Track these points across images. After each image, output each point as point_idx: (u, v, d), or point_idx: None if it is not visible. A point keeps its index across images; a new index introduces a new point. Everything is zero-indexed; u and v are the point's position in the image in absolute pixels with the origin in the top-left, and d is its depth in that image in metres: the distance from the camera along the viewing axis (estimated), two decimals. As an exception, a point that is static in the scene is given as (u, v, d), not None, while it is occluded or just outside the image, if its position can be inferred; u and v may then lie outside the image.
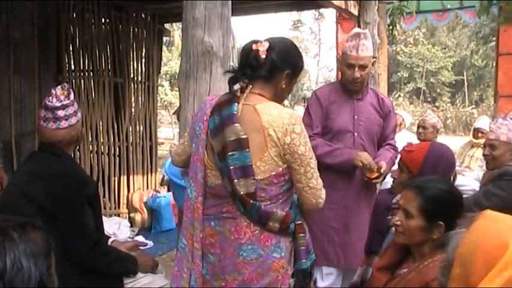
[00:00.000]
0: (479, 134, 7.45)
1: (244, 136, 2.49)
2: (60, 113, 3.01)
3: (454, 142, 13.11)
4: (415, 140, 7.24)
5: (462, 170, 7.19)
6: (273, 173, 2.53)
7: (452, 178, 3.19)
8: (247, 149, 2.49)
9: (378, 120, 4.14)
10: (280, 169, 2.54)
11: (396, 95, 36.00)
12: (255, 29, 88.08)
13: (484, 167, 4.88)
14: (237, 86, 2.67)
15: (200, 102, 3.02)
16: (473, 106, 35.58)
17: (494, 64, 16.42)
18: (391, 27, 10.99)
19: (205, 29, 3.11)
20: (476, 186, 6.30)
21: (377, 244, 3.09)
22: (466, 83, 40.07)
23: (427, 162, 2.91)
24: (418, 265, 2.41)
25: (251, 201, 2.50)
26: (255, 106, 2.55)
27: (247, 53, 2.62)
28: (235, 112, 2.54)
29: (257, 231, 2.57)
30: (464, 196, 4.53)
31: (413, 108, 31.81)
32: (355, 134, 4.05)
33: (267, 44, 2.62)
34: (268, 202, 2.56)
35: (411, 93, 39.35)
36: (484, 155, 4.38)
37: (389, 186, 3.27)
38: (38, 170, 3.00)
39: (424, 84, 39.70)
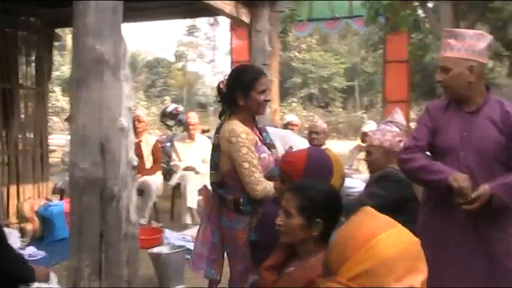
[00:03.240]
0: (367, 138, 7.75)
1: (217, 144, 3.60)
2: None
3: (346, 146, 13.53)
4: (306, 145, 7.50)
5: (351, 172, 7.47)
6: (228, 168, 3.55)
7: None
8: (217, 152, 3.60)
9: (497, 138, 3.31)
10: (229, 167, 3.53)
11: (290, 101, 36.69)
12: (151, 35, 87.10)
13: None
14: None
15: (91, 110, 3.04)
16: (364, 111, 36.78)
17: (382, 71, 17.16)
18: (283, 34, 11.26)
19: (96, 37, 3.11)
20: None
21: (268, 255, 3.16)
22: (357, 89, 41.46)
23: (307, 170, 3.01)
24: (303, 263, 2.56)
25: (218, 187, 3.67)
26: (223, 125, 3.59)
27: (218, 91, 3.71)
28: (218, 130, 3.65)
29: (224, 209, 3.65)
30: (351, 197, 4.75)
31: (307, 113, 32.53)
32: (462, 153, 3.35)
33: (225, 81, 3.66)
34: (231, 189, 3.59)
35: (304, 99, 40.20)
36: (365, 160, 4.60)
37: None
38: None
39: (317, 89, 40.65)
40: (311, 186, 2.64)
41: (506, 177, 3.21)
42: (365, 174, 7.28)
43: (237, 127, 3.50)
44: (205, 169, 8.39)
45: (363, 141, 7.99)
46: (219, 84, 3.71)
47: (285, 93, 34.19)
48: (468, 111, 3.40)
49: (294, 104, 36.29)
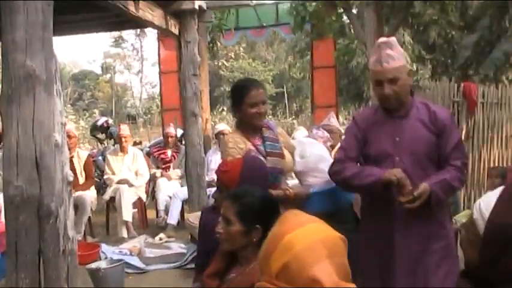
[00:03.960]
0: (299, 144, 7.87)
1: None
2: None
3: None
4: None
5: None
6: None
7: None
8: None
9: (428, 138, 3.40)
10: None
11: (220, 109, 36.74)
12: (76, 47, 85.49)
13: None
14: None
15: (24, 126, 3.01)
16: (294, 117, 37.18)
17: (310, 77, 17.42)
18: (211, 44, 11.31)
19: (26, 53, 3.08)
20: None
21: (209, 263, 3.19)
22: (286, 95, 41.86)
23: (243, 178, 3.11)
24: (244, 269, 2.62)
25: None
26: None
27: None
28: None
29: None
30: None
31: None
32: (397, 158, 3.39)
33: None
34: None
35: (235, 107, 40.27)
36: None
37: None
38: None
39: (247, 97, 40.80)
40: (248, 193, 2.71)
41: (441, 175, 3.32)
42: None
43: (229, 136, 3.80)
44: (139, 181, 8.35)
45: (294, 147, 8.10)
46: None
47: (214, 102, 34.16)
48: (398, 116, 3.43)
49: (224, 113, 36.36)
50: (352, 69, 22.37)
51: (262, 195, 2.76)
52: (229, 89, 4.04)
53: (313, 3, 13.30)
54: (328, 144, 4.50)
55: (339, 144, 4.45)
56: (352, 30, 15.47)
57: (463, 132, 8.59)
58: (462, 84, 9.30)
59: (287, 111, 40.45)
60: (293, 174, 4.41)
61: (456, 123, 3.53)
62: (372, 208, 3.55)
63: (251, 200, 2.66)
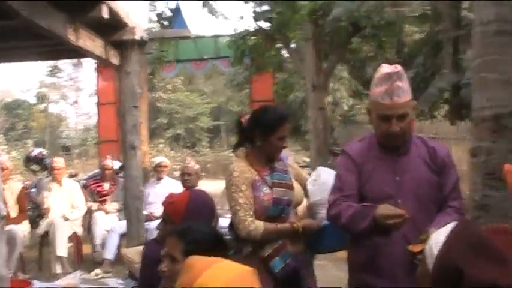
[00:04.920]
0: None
1: None
2: None
3: (215, 185, 13.56)
4: (178, 186, 7.47)
5: (224, 212, 7.48)
6: None
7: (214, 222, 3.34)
8: None
9: (430, 177, 3.09)
10: None
11: (157, 142, 36.43)
12: (9, 76, 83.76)
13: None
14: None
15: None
16: (232, 150, 37.24)
17: (249, 110, 17.51)
18: (151, 76, 11.24)
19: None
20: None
21: None
22: (223, 128, 41.93)
23: (189, 211, 3.00)
24: None
25: None
26: None
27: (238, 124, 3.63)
28: None
29: None
30: (228, 237, 4.75)
31: (174, 154, 32.37)
32: (399, 200, 3.01)
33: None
34: None
35: (171, 139, 40.07)
36: None
37: None
38: None
39: (184, 130, 40.69)
40: (195, 229, 2.59)
41: (445, 217, 2.91)
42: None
43: (234, 165, 3.48)
44: (74, 215, 8.10)
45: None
46: (240, 118, 3.63)
47: (151, 134, 33.85)
48: (397, 153, 3.09)
49: (161, 145, 36.04)
50: (290, 103, 22.61)
51: (211, 231, 2.66)
52: (255, 113, 3.55)
53: (253, 37, 13.43)
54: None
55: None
56: (290, 65, 15.75)
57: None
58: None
59: (224, 144, 40.46)
60: None
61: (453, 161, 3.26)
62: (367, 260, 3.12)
63: (199, 237, 2.54)
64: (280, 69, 15.21)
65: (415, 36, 15.89)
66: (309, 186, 3.80)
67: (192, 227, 2.62)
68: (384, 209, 2.82)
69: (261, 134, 3.43)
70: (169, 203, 3.09)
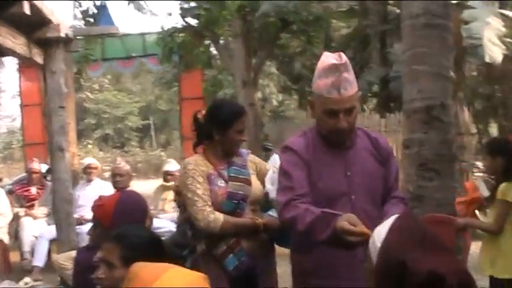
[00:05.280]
0: (169, 177, 7.74)
1: None
2: None
3: (146, 185, 13.37)
4: (109, 188, 7.27)
5: (157, 213, 7.37)
6: None
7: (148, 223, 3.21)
8: None
9: (377, 169, 2.96)
10: None
11: (85, 143, 35.69)
12: None
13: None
14: None
15: None
16: (162, 149, 36.86)
17: (178, 108, 17.32)
18: (78, 75, 10.94)
19: None
20: (172, 227, 6.53)
21: None
22: (152, 127, 41.45)
23: (119, 213, 2.86)
24: None
25: None
26: None
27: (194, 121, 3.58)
28: None
29: None
30: (162, 238, 4.62)
31: (104, 155, 31.82)
32: (352, 196, 2.86)
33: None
34: None
35: (100, 140, 39.37)
36: (174, 200, 4.50)
37: None
38: None
39: (112, 130, 40.03)
40: (132, 234, 2.46)
41: (393, 209, 2.83)
42: (172, 214, 7.23)
43: (189, 159, 3.49)
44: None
45: (165, 180, 7.94)
46: (196, 114, 3.58)
47: (79, 135, 33.15)
48: (344, 147, 2.92)
49: (89, 146, 35.34)
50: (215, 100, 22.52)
51: (149, 235, 2.54)
52: (210, 108, 3.56)
53: (181, 35, 13.28)
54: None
55: None
56: (219, 62, 15.65)
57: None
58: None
59: (154, 143, 40.08)
60: None
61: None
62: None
63: (136, 241, 2.41)
64: (209, 66, 15.07)
65: (342, 31, 16.06)
66: (267, 184, 3.52)
67: (128, 231, 2.49)
68: (346, 221, 2.47)
69: (218, 129, 3.41)
70: (98, 206, 2.95)
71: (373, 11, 12.25)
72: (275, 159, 3.47)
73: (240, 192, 3.41)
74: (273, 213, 3.51)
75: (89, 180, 8.26)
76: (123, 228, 2.53)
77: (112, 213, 2.86)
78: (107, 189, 7.23)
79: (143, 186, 12.95)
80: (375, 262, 1.74)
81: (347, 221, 2.46)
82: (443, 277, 1.57)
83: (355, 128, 2.92)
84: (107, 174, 9.61)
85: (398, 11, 12.46)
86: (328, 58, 2.79)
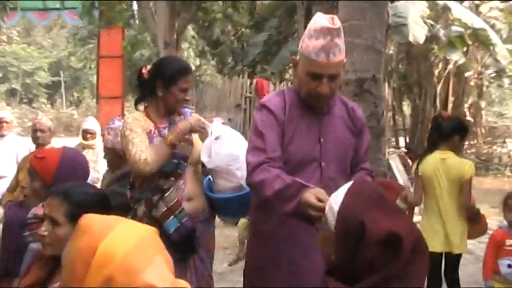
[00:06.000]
0: (88, 135, 7.48)
1: None
2: None
3: (58, 144, 12.96)
4: (25, 143, 6.99)
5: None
6: None
7: None
8: None
9: (349, 139, 2.91)
10: None
11: (-10, 95, 34.35)
12: None
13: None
14: None
15: None
16: (73, 107, 35.92)
17: (93, 66, 16.83)
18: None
19: None
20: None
21: (17, 265, 2.79)
22: (63, 84, 40.23)
23: (62, 169, 2.76)
24: None
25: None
26: None
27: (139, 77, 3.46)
28: None
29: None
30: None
31: (11, 110, 30.66)
32: (322, 163, 2.81)
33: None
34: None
35: (7, 94, 37.92)
36: (104, 158, 4.33)
37: None
38: None
39: (20, 84, 38.61)
40: (80, 191, 2.38)
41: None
42: (97, 174, 7.00)
43: (128, 115, 3.43)
44: None
45: (84, 138, 7.68)
46: (141, 69, 3.47)
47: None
48: (320, 112, 2.86)
49: (-5, 98, 34.02)
50: (135, 61, 22.02)
51: (97, 192, 2.48)
52: (156, 63, 3.50)
53: (104, -12, 12.83)
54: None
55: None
56: (137, 21, 15.25)
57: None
58: (254, 81, 9.55)
59: (64, 101, 38.98)
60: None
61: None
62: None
63: (84, 198, 2.34)
64: (130, 25, 14.68)
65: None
66: (202, 156, 3.43)
67: (75, 188, 2.40)
68: (311, 195, 2.40)
69: (162, 84, 3.32)
70: (39, 158, 2.81)
71: (300, -19, 12.21)
72: (215, 127, 3.47)
73: (180, 152, 3.34)
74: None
75: (1, 136, 7.85)
76: (70, 185, 2.44)
77: (56, 168, 2.75)
78: (23, 144, 6.96)
79: (55, 145, 12.56)
80: (332, 227, 1.77)
81: (314, 194, 2.39)
82: (401, 236, 1.64)
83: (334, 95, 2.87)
84: (18, 130, 9.19)
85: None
86: (321, 20, 2.68)
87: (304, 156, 2.80)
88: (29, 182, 2.85)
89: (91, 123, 7.67)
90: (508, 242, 4.38)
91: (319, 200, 2.35)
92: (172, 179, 3.32)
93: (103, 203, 2.43)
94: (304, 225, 2.56)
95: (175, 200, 3.29)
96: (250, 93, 9.19)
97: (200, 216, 3.41)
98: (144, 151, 3.18)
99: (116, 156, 4.00)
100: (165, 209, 3.26)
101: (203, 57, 20.66)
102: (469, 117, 15.59)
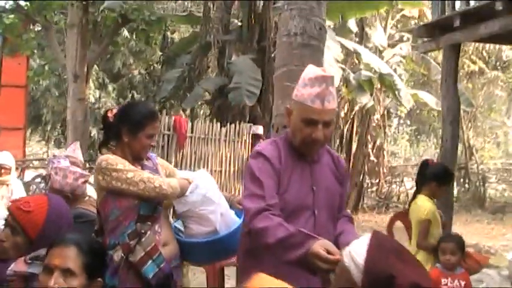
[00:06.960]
0: (2, 171, 7.11)
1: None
2: None
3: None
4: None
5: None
6: (101, 199, 3.25)
7: None
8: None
9: (336, 187, 2.98)
10: (103, 197, 3.22)
11: None
12: None
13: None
14: None
15: None
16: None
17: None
18: None
19: None
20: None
21: None
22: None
23: (49, 223, 2.61)
24: None
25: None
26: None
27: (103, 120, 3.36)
28: None
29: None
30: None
31: None
32: (316, 211, 2.85)
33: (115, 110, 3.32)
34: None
35: None
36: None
37: None
38: None
39: None
40: (87, 240, 2.43)
41: (352, 229, 2.98)
42: (2, 212, 6.68)
43: (103, 156, 3.22)
44: None
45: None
46: (106, 112, 3.36)
47: None
48: (311, 160, 2.93)
49: None
50: (31, 90, 21.30)
51: (97, 241, 2.63)
52: (123, 107, 3.39)
53: (11, 16, 12.41)
54: (81, 181, 3.97)
55: None
56: (45, 50, 14.76)
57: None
58: (173, 118, 9.49)
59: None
60: None
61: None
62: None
63: (95, 248, 2.39)
64: (37, 54, 14.22)
65: (179, 35, 15.98)
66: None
67: (83, 238, 2.42)
68: (320, 247, 2.45)
69: (128, 130, 3.22)
70: (25, 212, 2.61)
71: (215, 19, 12.32)
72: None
73: None
74: (178, 224, 3.53)
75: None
76: (78, 235, 2.43)
77: (43, 224, 2.59)
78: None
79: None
80: (355, 278, 1.84)
81: (323, 247, 2.45)
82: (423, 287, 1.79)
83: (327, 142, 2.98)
84: None
85: (239, 23, 12.72)
86: (315, 69, 2.83)
87: (299, 204, 2.84)
88: (10, 235, 2.64)
89: (5, 158, 7.24)
90: (444, 281, 4.56)
91: (328, 253, 2.41)
92: (149, 223, 3.20)
93: (102, 254, 2.50)
94: (299, 273, 2.59)
95: (153, 244, 3.18)
96: (168, 129, 9.10)
97: (173, 262, 3.31)
98: (158, 178, 3.19)
99: (63, 198, 3.80)
100: (143, 253, 3.14)
101: (102, 90, 20.35)
102: (372, 157, 16.08)
